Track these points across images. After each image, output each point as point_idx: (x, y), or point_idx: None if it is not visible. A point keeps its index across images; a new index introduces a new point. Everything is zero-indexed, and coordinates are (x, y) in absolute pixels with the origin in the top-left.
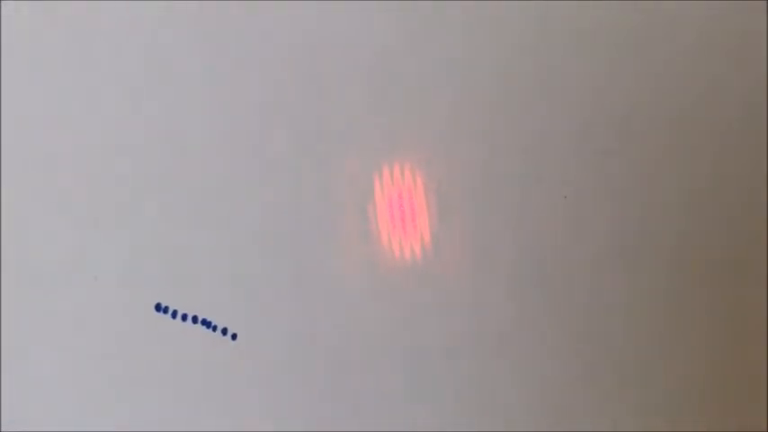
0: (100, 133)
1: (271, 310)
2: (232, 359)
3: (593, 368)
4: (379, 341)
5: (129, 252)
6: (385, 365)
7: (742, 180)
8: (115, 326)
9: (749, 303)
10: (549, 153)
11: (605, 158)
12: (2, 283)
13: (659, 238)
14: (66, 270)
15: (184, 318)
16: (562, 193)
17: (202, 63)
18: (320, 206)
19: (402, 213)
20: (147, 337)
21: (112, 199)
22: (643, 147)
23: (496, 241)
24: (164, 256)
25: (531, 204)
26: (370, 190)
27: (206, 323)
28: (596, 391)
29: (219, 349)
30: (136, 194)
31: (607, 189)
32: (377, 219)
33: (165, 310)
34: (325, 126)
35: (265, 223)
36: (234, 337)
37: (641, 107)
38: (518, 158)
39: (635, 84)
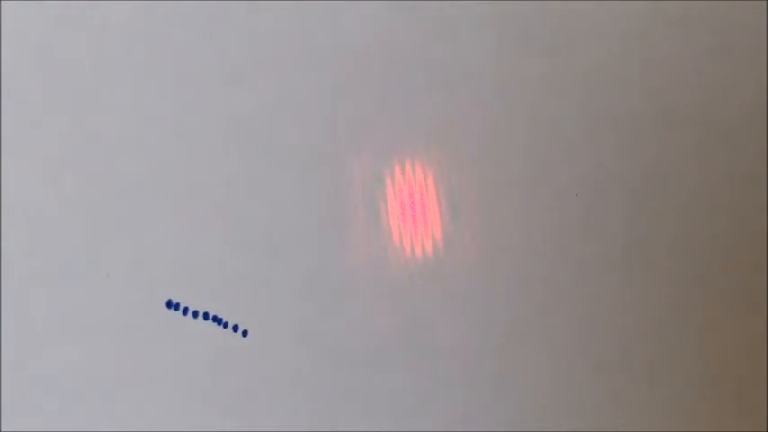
0: (105, 131)
1: (281, 307)
2: (242, 356)
3: (597, 367)
4: (388, 339)
5: (141, 249)
6: (395, 364)
7: (742, 179)
8: (127, 322)
9: (749, 303)
10: (559, 151)
11: (615, 156)
12: (11, 280)
13: (669, 237)
14: (77, 267)
15: (195, 314)
16: (573, 192)
17: (210, 62)
18: (331, 204)
19: (413, 211)
20: (158, 334)
21: (123, 196)
22: (649, 145)
23: (507, 239)
24: (174, 254)
25: (541, 202)
26: (382, 188)
27: (217, 320)
28: (599, 389)
29: (229, 346)
30: (146, 192)
31: (617, 187)
32: (388, 217)
33: (177, 307)
34: (336, 124)
35: (276, 221)
36: (245, 333)
37: (642, 107)
38: (529, 156)
39: (635, 84)
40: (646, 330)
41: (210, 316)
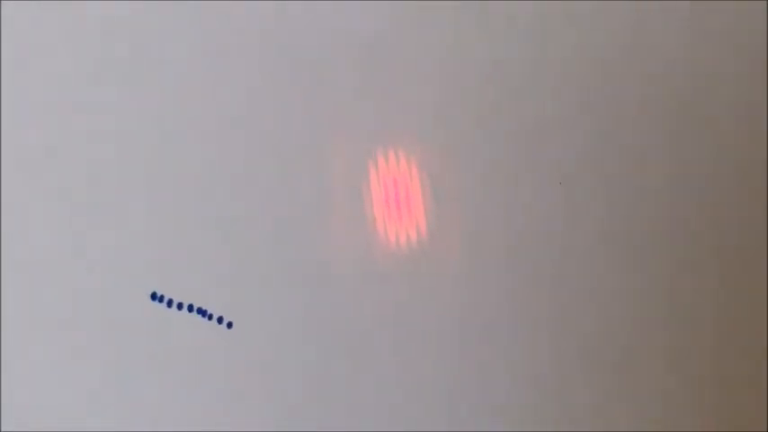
0: (97, 127)
1: (265, 297)
2: (227, 347)
3: (588, 363)
4: (372, 328)
5: (124, 240)
6: (378, 353)
7: (739, 177)
8: (110, 314)
9: (749, 302)
10: (545, 140)
11: (601, 146)
12: None
13: (655, 226)
14: (61, 258)
15: (180, 306)
16: (557, 180)
17: (195, 54)
18: (315, 193)
19: (397, 200)
20: (141, 327)
21: (106, 188)
22: (639, 138)
23: (492, 228)
24: (157, 245)
25: (526, 191)
26: (365, 177)
27: (201, 312)
28: (592, 387)
29: (214, 338)
30: (130, 183)
31: (603, 178)
32: (372, 205)
33: (161, 299)
34: (320, 112)
35: (260, 210)
36: (229, 325)
37: (640, 103)
38: (513, 145)
39: (633, 80)
40: (640, 326)
41: (195, 308)
